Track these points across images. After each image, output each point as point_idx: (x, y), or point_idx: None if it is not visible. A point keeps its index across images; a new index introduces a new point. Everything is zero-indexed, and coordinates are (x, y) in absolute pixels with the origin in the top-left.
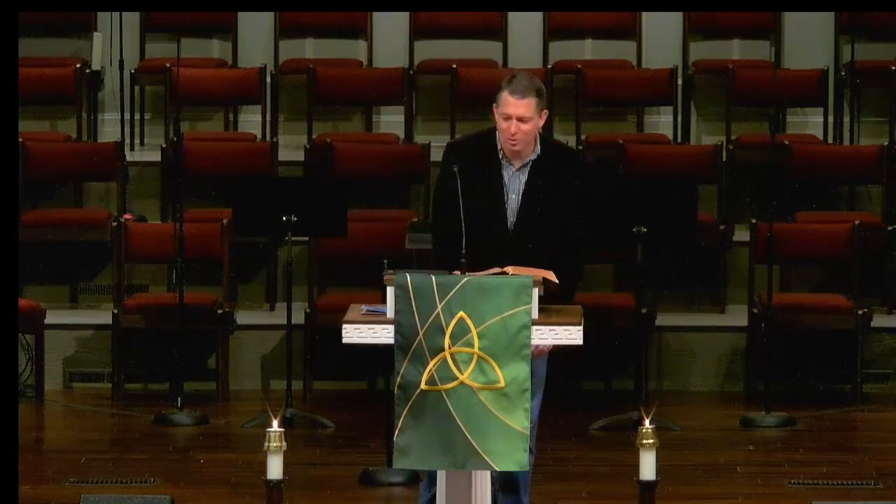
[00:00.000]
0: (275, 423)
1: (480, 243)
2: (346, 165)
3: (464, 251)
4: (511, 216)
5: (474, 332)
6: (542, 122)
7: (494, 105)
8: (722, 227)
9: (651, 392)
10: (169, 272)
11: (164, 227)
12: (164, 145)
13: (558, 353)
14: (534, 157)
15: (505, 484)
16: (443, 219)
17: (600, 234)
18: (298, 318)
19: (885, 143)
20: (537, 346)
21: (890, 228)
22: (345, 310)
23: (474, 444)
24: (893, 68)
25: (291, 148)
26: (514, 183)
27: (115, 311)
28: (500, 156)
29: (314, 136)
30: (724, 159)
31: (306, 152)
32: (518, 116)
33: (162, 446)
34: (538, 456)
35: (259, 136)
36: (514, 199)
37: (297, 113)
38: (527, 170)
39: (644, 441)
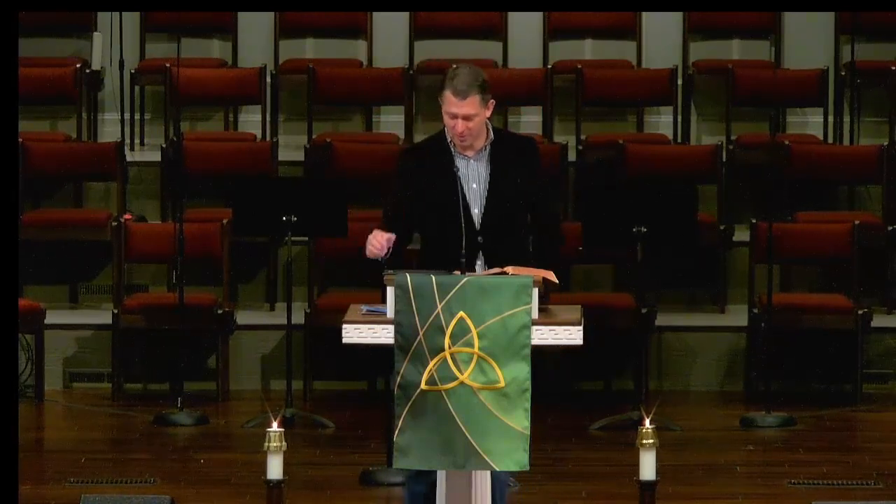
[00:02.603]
0: (275, 423)
1: (445, 239)
2: (346, 165)
3: (463, 252)
4: (476, 206)
5: (474, 331)
6: (489, 113)
7: (440, 98)
8: (722, 227)
9: (651, 392)
10: (169, 272)
11: (164, 227)
12: (164, 145)
13: (558, 353)
14: (488, 143)
15: None
16: (386, 222)
17: (600, 234)
18: (298, 318)
19: (885, 143)
20: None
21: (890, 228)
22: (345, 310)
23: (474, 444)
24: (893, 68)
25: (291, 148)
26: (473, 172)
27: (115, 311)
28: (451, 149)
29: (314, 136)
30: (724, 159)
31: (306, 152)
32: (463, 115)
33: (162, 446)
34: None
35: (259, 136)
36: (475, 188)
37: (297, 113)
38: (485, 156)
39: (644, 441)
